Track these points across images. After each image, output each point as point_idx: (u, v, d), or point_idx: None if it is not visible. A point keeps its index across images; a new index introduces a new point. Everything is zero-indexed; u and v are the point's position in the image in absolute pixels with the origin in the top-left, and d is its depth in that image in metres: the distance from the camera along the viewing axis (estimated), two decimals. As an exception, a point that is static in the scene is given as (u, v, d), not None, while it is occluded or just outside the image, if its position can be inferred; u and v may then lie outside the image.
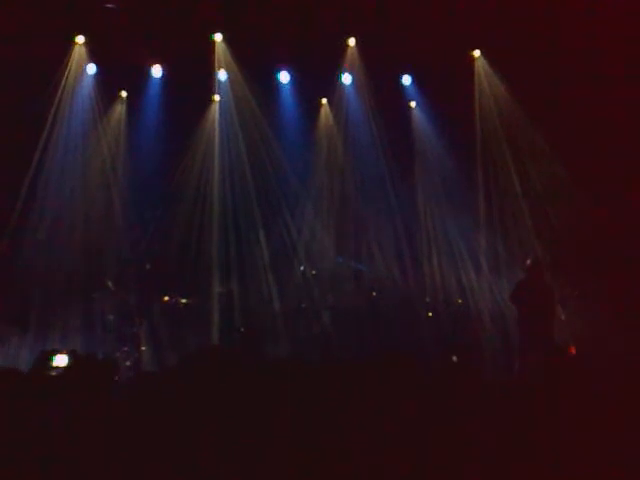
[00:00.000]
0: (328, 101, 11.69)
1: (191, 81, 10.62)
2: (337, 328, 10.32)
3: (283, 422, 4.18)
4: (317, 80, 11.15)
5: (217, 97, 11.20)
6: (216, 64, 10.77)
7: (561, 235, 10.09)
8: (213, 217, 10.82)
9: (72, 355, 6.57)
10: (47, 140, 10.13)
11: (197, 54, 10.51)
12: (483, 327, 10.19)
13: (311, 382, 4.68)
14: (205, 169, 11.10)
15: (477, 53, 11.11)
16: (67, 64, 10.26)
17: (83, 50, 10.36)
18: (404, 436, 4.09)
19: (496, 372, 8.61)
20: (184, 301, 10.36)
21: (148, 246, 10.62)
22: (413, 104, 11.78)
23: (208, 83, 10.90)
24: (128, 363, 9.45)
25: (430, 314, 10.80)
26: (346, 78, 11.46)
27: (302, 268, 10.99)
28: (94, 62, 10.51)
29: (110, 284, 9.94)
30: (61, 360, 6.37)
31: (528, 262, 8.96)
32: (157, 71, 10.95)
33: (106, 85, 10.64)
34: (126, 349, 9.55)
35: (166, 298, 10.30)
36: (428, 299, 10.95)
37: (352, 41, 10.94)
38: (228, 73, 11.04)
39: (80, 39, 10.28)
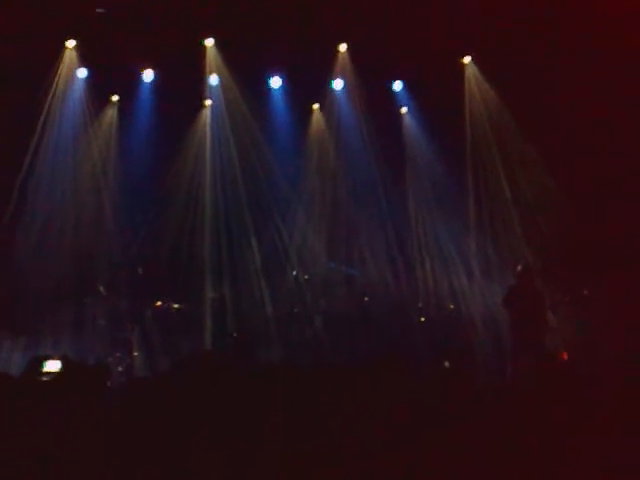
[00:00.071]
0: (319, 107, 11.72)
1: (182, 86, 10.62)
2: (329, 333, 10.33)
3: (275, 426, 4.19)
4: (308, 86, 11.18)
5: (208, 102, 11.21)
6: (207, 69, 10.78)
7: (551, 241, 10.16)
8: (205, 222, 10.82)
9: (63, 361, 6.54)
10: (38, 143, 10.11)
11: (188, 59, 10.51)
12: (475, 332, 10.22)
13: (303, 387, 4.69)
14: (196, 173, 11.10)
15: (467, 60, 11.19)
16: (58, 68, 10.24)
17: (74, 54, 10.35)
18: (395, 441, 4.10)
19: (488, 377, 8.63)
20: (176, 306, 10.33)
21: (139, 250, 10.60)
22: (404, 110, 11.83)
23: (199, 88, 10.91)
24: (120, 368, 9.41)
25: (422, 319, 10.83)
26: (337, 84, 11.50)
27: (294, 273, 11.00)
28: (85, 66, 10.50)
29: (102, 289, 9.91)
30: (53, 366, 6.35)
31: (519, 268, 9.02)
32: (148, 75, 10.94)
33: (97, 89, 10.62)
34: (118, 354, 9.51)
35: (158, 303, 10.28)
36: (420, 304, 10.98)
37: (343, 47, 10.98)
38: (219, 78, 11.05)
39: (71, 43, 10.27)
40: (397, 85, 11.67)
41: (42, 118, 10.13)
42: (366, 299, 11.00)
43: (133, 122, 11.03)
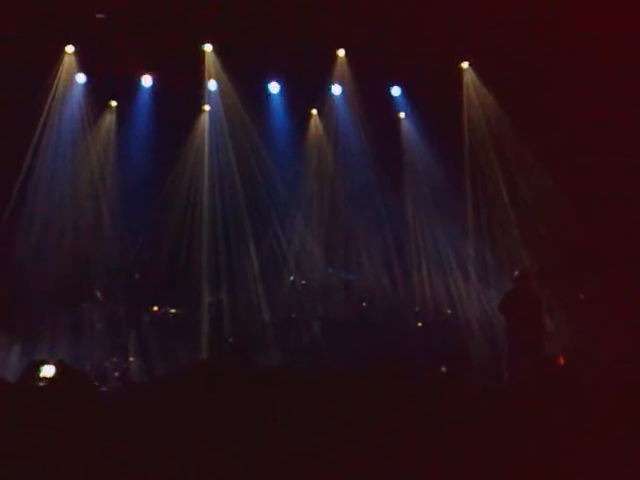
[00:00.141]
0: (318, 112, 11.74)
1: (181, 91, 10.63)
2: (327, 338, 10.32)
3: (273, 431, 4.18)
4: (307, 91, 11.20)
5: (207, 107, 11.23)
6: (206, 74, 10.81)
7: (549, 244, 10.16)
8: (203, 227, 10.82)
9: (59, 366, 6.52)
10: (37, 147, 10.12)
11: (187, 64, 10.54)
12: (472, 336, 10.23)
13: (301, 392, 4.68)
14: (195, 178, 11.11)
15: (465, 65, 11.23)
16: (56, 73, 10.26)
17: (73, 60, 10.38)
18: (394, 445, 4.09)
19: (485, 381, 8.64)
20: (173, 311, 10.32)
21: (137, 256, 10.59)
22: (402, 115, 11.86)
23: (198, 93, 10.93)
24: (117, 374, 9.40)
25: (420, 324, 10.82)
26: (336, 89, 11.52)
27: (292, 278, 10.99)
28: (84, 72, 10.52)
29: (99, 294, 9.90)
30: (49, 371, 6.33)
31: (516, 273, 9.03)
32: (147, 81, 10.96)
33: (96, 94, 10.64)
34: (115, 359, 9.50)
35: (155, 308, 10.27)
36: (417, 309, 10.98)
37: (342, 52, 11.01)
38: (218, 83, 11.07)
39: (70, 49, 10.29)
40: (395, 90, 11.70)
41: (41, 123, 10.15)
42: (364, 304, 10.99)
43: (132, 127, 11.04)
